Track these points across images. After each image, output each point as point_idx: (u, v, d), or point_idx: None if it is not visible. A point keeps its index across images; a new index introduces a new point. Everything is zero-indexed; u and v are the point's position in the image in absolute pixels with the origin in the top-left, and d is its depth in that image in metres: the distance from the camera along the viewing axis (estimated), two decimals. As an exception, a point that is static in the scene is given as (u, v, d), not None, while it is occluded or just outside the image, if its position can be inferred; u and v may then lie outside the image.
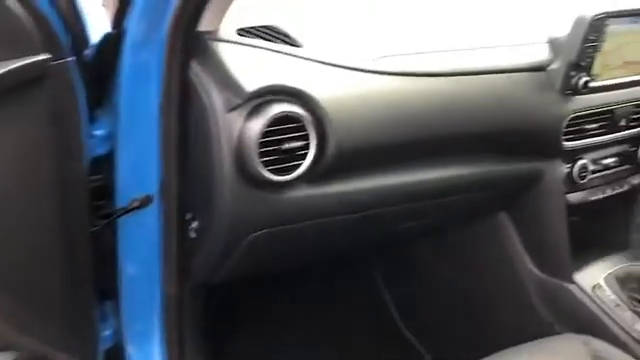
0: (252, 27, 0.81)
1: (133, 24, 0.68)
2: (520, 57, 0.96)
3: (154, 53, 0.69)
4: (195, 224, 0.85)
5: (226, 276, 0.94)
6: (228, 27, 0.79)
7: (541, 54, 0.99)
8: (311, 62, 0.79)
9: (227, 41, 0.77)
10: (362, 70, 0.81)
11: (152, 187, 0.78)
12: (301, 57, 0.79)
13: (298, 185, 0.79)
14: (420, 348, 1.35)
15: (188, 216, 0.85)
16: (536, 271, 1.12)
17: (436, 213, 1.03)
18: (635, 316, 1.02)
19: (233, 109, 0.73)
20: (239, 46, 0.77)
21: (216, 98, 0.73)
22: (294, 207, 0.81)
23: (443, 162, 0.93)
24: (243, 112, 0.73)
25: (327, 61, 0.80)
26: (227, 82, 0.73)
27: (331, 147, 0.78)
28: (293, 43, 0.81)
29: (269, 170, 0.74)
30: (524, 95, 0.96)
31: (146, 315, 0.86)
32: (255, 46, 0.78)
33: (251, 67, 0.75)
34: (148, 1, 0.67)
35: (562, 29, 0.99)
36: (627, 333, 1.01)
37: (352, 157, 0.81)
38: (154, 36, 0.68)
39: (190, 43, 0.72)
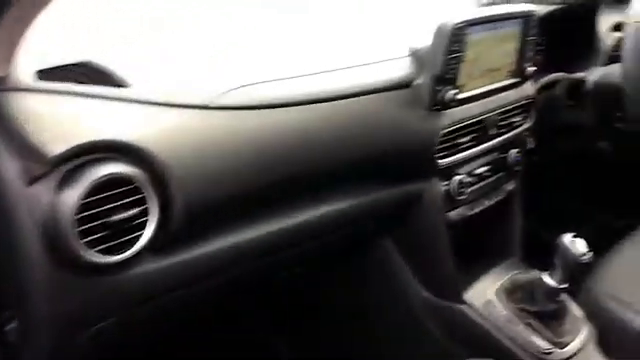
0: (58, 66, 0.64)
1: None
2: (382, 75, 0.88)
3: None
4: (13, 324, 0.66)
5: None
6: (25, 69, 0.61)
7: (404, 69, 0.92)
8: (141, 105, 0.64)
9: (21, 89, 0.59)
10: (207, 107, 0.68)
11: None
12: (128, 99, 0.64)
13: (140, 259, 0.63)
14: None
15: (4, 316, 0.66)
16: (426, 294, 1.06)
17: (318, 252, 0.93)
18: (528, 329, 0.99)
19: (35, 180, 0.56)
20: (39, 94, 0.60)
21: (10, 168, 0.56)
22: (139, 286, 0.65)
23: (316, 200, 0.83)
24: (51, 182, 0.56)
25: (162, 101, 0.65)
26: (23, 145, 0.56)
27: (178, 208, 0.63)
28: (117, 83, 0.65)
29: (97, 251, 0.58)
30: (391, 116, 0.89)
31: None
32: (61, 92, 0.61)
33: (57, 121, 0.58)
34: None
35: (422, 40, 0.93)
36: (523, 349, 0.97)
37: (207, 213, 0.67)
38: None
39: None
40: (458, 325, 1.03)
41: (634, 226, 1.28)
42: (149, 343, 0.95)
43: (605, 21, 1.39)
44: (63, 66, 0.64)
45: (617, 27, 1.42)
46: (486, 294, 1.04)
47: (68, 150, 0.56)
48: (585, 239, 0.95)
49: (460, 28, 0.89)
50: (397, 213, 0.99)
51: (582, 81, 1.19)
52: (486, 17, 0.94)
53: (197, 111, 0.67)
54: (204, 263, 0.70)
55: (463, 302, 1.03)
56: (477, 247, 1.11)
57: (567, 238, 0.94)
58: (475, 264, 1.09)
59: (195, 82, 0.70)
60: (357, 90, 0.83)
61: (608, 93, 1.14)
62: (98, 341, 0.65)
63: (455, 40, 0.89)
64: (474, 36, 0.92)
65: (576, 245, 0.93)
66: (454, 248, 1.03)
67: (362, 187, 0.89)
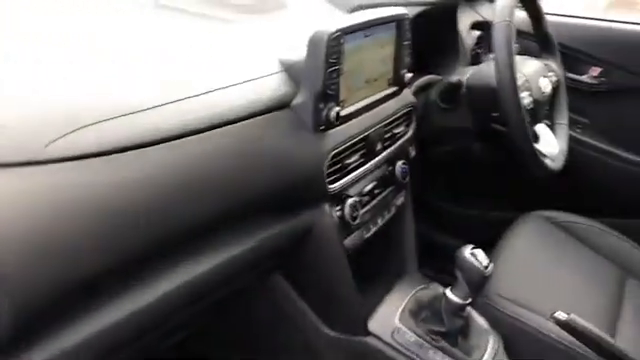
0: None
1: None
2: (254, 96, 0.76)
3: None
4: None
5: None
6: None
7: (279, 88, 0.80)
8: None
9: None
10: (29, 163, 0.50)
11: None
12: None
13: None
14: None
15: None
16: (327, 331, 0.96)
17: (198, 316, 0.78)
18: (438, 351, 0.93)
19: None
20: None
21: None
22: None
23: (196, 255, 0.68)
24: None
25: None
26: None
27: (5, 313, 0.46)
28: None
29: None
30: (271, 142, 0.77)
31: None
32: None
33: None
34: None
35: (293, 53, 0.83)
36: (436, 375, 0.91)
37: (49, 308, 0.50)
38: None
39: None
40: (366, 358, 0.94)
41: (512, 219, 1.31)
42: None
43: (464, 20, 1.41)
44: None
45: (476, 25, 1.45)
46: (392, 321, 0.96)
47: None
48: (477, 239, 0.92)
49: (336, 38, 0.79)
50: (289, 246, 0.87)
51: (455, 84, 1.17)
52: (362, 23, 0.86)
53: (15, 170, 0.49)
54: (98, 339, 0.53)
55: (369, 334, 0.95)
56: (374, 270, 1.03)
57: (466, 251, 0.90)
58: (375, 288, 1.01)
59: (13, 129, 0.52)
60: (227, 117, 0.70)
61: (482, 94, 1.13)
62: None
63: (332, 51, 0.79)
64: (350, 45, 0.84)
65: (477, 257, 0.89)
66: (352, 276, 0.94)
67: (247, 229, 0.76)
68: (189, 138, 0.64)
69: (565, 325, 0.93)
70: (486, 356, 0.96)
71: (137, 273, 0.60)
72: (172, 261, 0.64)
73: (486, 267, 0.89)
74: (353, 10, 1.10)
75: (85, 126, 0.55)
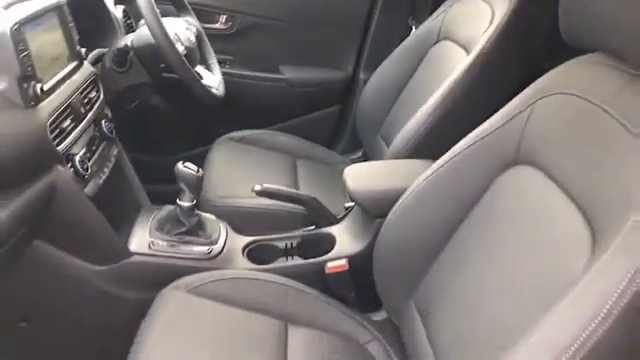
0: None
1: None
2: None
3: None
4: None
5: None
6: None
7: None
8: None
9: None
10: None
11: None
12: None
13: None
14: None
15: None
16: (98, 267, 1.17)
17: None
18: (189, 245, 1.24)
19: None
20: None
21: None
22: None
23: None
24: None
25: None
26: None
27: None
28: None
29: None
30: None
31: None
32: None
33: None
34: None
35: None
36: (189, 259, 1.22)
37: None
38: None
39: None
40: (138, 274, 1.19)
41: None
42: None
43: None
44: None
45: (118, 1, 1.69)
46: (145, 239, 1.23)
47: None
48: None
49: (17, 29, 0.97)
50: (40, 211, 1.03)
51: (122, 49, 1.41)
52: (30, 15, 1.03)
53: None
54: None
55: (132, 254, 1.19)
56: (118, 210, 1.25)
57: (180, 166, 1.21)
58: (123, 222, 1.25)
59: None
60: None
61: (147, 52, 1.41)
62: None
63: (18, 40, 0.96)
64: (29, 32, 1.01)
65: (190, 167, 1.21)
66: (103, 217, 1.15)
67: (3, 196, 0.91)
68: None
69: (262, 193, 1.33)
70: (222, 235, 1.30)
71: None
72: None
73: (197, 171, 1.22)
74: (8, 6, 1.23)
75: None
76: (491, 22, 1.37)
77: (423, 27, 1.72)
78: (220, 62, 1.78)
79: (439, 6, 1.70)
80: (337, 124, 2.09)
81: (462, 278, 0.99)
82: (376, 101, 1.78)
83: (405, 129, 1.39)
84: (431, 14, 1.71)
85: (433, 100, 1.36)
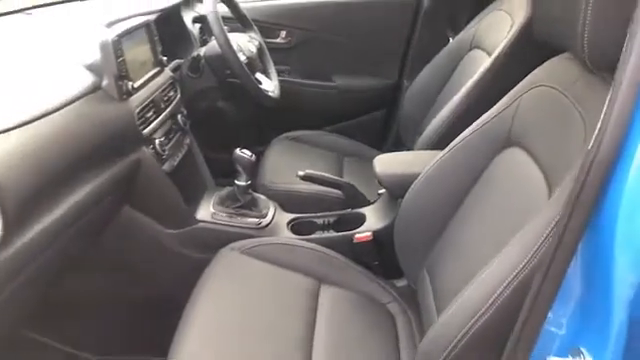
0: None
1: None
2: (75, 87, 1.18)
3: None
4: None
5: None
6: None
7: (89, 78, 1.24)
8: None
9: None
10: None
11: None
12: None
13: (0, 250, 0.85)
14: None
15: None
16: (170, 230, 1.45)
17: (91, 224, 1.20)
18: (244, 217, 1.50)
19: None
20: None
21: None
22: (6, 268, 0.86)
23: (78, 183, 1.11)
24: None
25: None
26: None
27: (10, 206, 0.86)
28: None
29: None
30: (98, 111, 1.21)
31: None
32: None
33: None
34: None
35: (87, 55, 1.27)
36: (247, 229, 1.48)
37: (28, 204, 0.91)
38: None
39: None
40: (202, 237, 1.46)
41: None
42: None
43: (187, 17, 1.96)
44: None
45: (196, 20, 2.01)
46: (209, 210, 1.50)
47: None
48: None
49: (117, 41, 1.27)
50: (128, 180, 1.33)
51: (196, 57, 1.72)
52: (126, 30, 1.34)
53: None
54: (45, 234, 0.94)
55: (198, 222, 1.46)
56: (188, 188, 1.54)
57: (238, 151, 1.47)
58: (193, 197, 1.53)
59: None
60: (73, 98, 1.13)
61: (216, 60, 1.70)
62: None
63: (117, 48, 1.27)
64: (125, 43, 1.32)
65: (245, 153, 1.47)
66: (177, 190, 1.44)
67: (101, 167, 1.20)
68: (51, 116, 1.05)
69: (305, 177, 1.57)
70: (271, 211, 1.56)
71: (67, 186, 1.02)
72: (73, 183, 1.07)
73: (251, 156, 1.48)
74: (110, 24, 1.56)
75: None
76: (510, 29, 1.56)
77: (458, 37, 1.91)
78: (279, 72, 2.05)
79: (473, 18, 1.89)
80: (383, 126, 2.31)
81: (461, 239, 1.18)
82: (416, 105, 1.98)
83: (431, 125, 1.59)
84: (466, 26, 1.91)
85: (456, 98, 1.56)
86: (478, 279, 0.88)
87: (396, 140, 2.24)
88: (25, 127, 0.99)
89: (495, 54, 1.53)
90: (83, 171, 1.14)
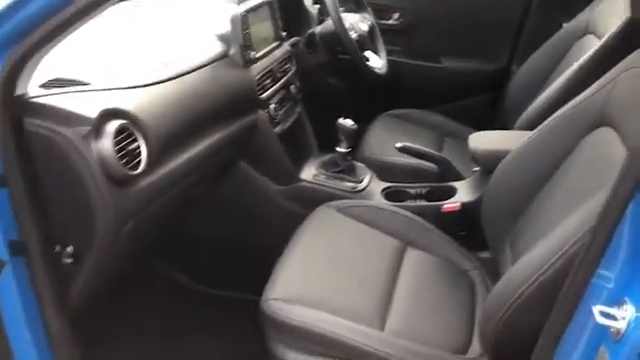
0: (50, 81, 1.02)
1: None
2: (211, 52, 1.41)
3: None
4: (69, 249, 1.02)
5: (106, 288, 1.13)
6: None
7: (220, 47, 1.46)
8: (108, 91, 1.06)
9: (45, 95, 0.97)
10: (141, 86, 1.13)
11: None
12: (102, 89, 1.06)
13: (144, 176, 1.06)
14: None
15: (57, 249, 1.02)
16: (277, 187, 1.64)
17: (213, 172, 1.42)
18: (343, 181, 1.65)
19: (86, 135, 0.95)
20: (56, 96, 0.98)
21: (68, 133, 0.94)
22: (147, 193, 1.08)
23: (206, 133, 1.32)
24: (92, 135, 0.96)
25: (117, 86, 1.09)
26: (71, 119, 0.95)
27: (153, 141, 1.08)
28: (83, 83, 1.06)
29: (128, 168, 1.00)
30: (225, 75, 1.42)
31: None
32: (70, 91, 1.00)
33: (78, 104, 0.98)
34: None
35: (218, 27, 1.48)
36: (343, 191, 1.63)
37: (167, 143, 1.12)
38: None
39: (15, 105, 0.91)
40: (303, 194, 1.63)
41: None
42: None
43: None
44: (51, 80, 1.02)
45: (316, 1, 2.18)
46: (312, 172, 1.67)
47: (99, 114, 0.97)
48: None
49: (244, 15, 1.47)
50: (246, 137, 1.53)
51: (312, 34, 1.88)
52: (254, 6, 1.53)
53: (136, 89, 1.11)
54: (177, 172, 1.15)
55: (300, 180, 1.64)
56: (295, 151, 1.72)
57: (341, 120, 1.62)
58: (299, 159, 1.71)
59: (121, 73, 1.14)
60: (206, 62, 1.34)
61: (329, 38, 1.85)
62: (131, 235, 1.06)
63: (244, 22, 1.46)
64: (251, 18, 1.51)
65: (347, 121, 1.62)
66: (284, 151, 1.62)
67: (224, 123, 1.41)
68: (190, 74, 1.27)
69: (402, 149, 1.68)
70: (367, 178, 1.69)
71: (196, 133, 1.23)
72: (201, 134, 1.28)
73: (353, 125, 1.62)
74: (239, 2, 1.77)
75: (153, 70, 1.18)
76: (623, 14, 1.54)
77: (572, 23, 1.90)
78: (390, 51, 2.16)
79: (590, 4, 1.86)
80: (488, 110, 2.33)
81: (545, 216, 1.23)
82: (523, 90, 2.00)
83: (532, 106, 1.63)
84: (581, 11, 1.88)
85: (559, 81, 1.57)
86: (543, 241, 0.95)
87: (501, 125, 2.26)
88: (168, 83, 1.22)
89: (604, 39, 1.52)
90: (209, 124, 1.35)
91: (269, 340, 1.16)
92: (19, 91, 0.93)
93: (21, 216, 0.96)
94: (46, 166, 0.95)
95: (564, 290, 0.80)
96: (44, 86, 1.01)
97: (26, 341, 1.04)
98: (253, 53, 1.49)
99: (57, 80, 1.04)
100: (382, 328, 1.17)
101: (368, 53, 1.95)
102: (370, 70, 1.85)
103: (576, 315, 0.76)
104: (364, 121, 2.21)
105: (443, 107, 2.33)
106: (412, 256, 1.42)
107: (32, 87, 0.98)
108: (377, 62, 1.95)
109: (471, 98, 2.34)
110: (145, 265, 1.63)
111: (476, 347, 1.20)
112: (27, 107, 0.93)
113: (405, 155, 1.72)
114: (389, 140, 1.95)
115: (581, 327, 0.75)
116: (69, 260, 1.02)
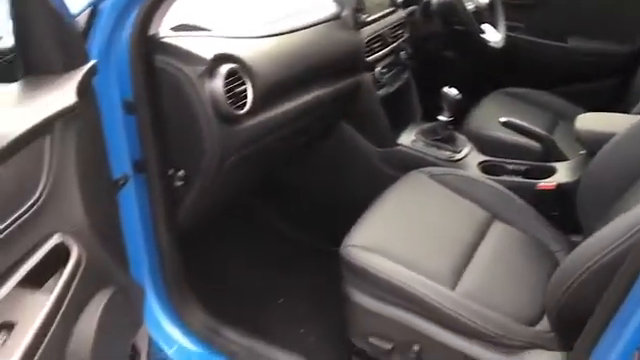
0: (178, 25, 1.17)
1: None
2: (326, 12, 1.50)
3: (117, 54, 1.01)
4: (181, 173, 1.18)
5: (209, 213, 1.28)
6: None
7: (334, 8, 1.54)
8: (226, 38, 1.20)
9: (172, 36, 1.12)
10: (255, 37, 1.25)
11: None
12: (219, 36, 1.20)
13: (248, 117, 1.19)
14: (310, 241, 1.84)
15: (170, 172, 1.18)
16: (377, 149, 1.70)
17: (313, 126, 1.52)
18: (440, 149, 1.67)
19: (201, 74, 1.09)
20: (181, 38, 1.13)
21: (187, 71, 1.09)
22: (249, 133, 1.21)
23: (309, 88, 1.42)
24: (207, 74, 1.10)
25: (233, 35, 1.22)
26: (190, 59, 1.10)
27: (259, 86, 1.20)
28: (205, 29, 1.20)
29: (235, 108, 1.13)
30: (335, 35, 1.51)
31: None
32: (192, 35, 1.15)
33: (198, 47, 1.13)
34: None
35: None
36: (438, 159, 1.65)
37: (271, 90, 1.24)
38: (118, 37, 1.01)
39: (148, 43, 1.07)
40: (399, 158, 1.69)
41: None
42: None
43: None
44: (179, 25, 1.18)
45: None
46: (410, 138, 1.71)
47: (213, 57, 1.11)
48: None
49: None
50: (349, 97, 1.61)
51: (428, 2, 1.90)
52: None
53: (250, 39, 1.24)
54: (278, 118, 1.27)
55: (398, 145, 1.69)
56: (397, 116, 1.77)
57: (446, 89, 1.64)
58: (399, 124, 1.76)
59: (239, 23, 1.27)
60: (316, 22, 1.43)
61: (445, 7, 1.85)
62: (234, 169, 1.19)
63: (358, -13, 1.53)
64: (365, -15, 1.58)
65: (451, 90, 1.63)
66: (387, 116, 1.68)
67: (329, 81, 1.49)
68: (304, 31, 1.38)
69: (506, 124, 1.66)
70: (465, 150, 1.70)
71: (298, 87, 1.34)
72: (304, 88, 1.38)
73: (456, 94, 1.63)
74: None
75: (267, 23, 1.30)
76: None
77: None
78: (511, 27, 2.10)
79: None
80: (613, 95, 2.18)
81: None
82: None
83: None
84: None
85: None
86: (615, 221, 0.93)
87: (625, 111, 2.11)
88: (280, 37, 1.33)
89: None
90: (314, 80, 1.45)
91: (345, 284, 1.25)
92: (151, 31, 1.09)
93: (145, 140, 1.13)
94: (168, 98, 1.11)
95: (618, 274, 0.80)
96: (172, 29, 1.16)
97: (140, 248, 1.23)
98: (364, 16, 1.55)
99: (184, 25, 1.19)
100: (453, 288, 1.21)
101: (485, 26, 1.92)
102: (483, 43, 1.83)
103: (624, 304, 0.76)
104: (475, 97, 2.20)
105: (564, 89, 2.23)
106: (498, 228, 1.41)
107: (163, 29, 1.13)
108: (494, 35, 1.92)
109: (596, 82, 2.20)
110: (246, 204, 1.79)
111: (546, 323, 1.19)
112: (157, 45, 1.09)
113: (509, 131, 1.70)
114: (497, 116, 1.93)
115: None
116: (180, 183, 1.18)
